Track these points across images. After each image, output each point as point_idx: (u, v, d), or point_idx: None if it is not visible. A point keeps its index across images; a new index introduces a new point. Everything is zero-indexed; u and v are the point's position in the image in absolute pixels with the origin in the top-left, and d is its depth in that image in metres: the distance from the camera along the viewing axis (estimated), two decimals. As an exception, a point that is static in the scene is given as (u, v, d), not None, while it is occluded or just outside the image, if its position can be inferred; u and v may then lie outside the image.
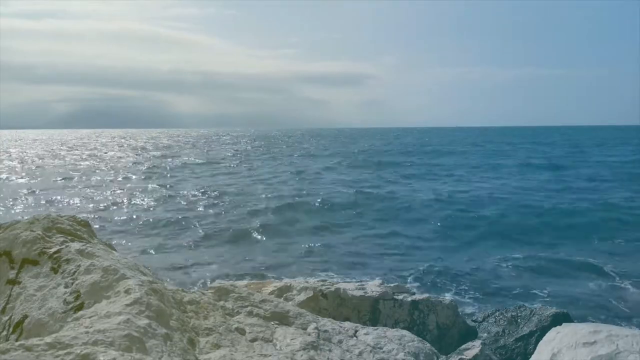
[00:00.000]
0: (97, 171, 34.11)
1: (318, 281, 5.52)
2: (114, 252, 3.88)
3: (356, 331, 3.60)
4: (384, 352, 3.36)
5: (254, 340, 3.03)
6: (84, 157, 50.50)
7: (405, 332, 3.79)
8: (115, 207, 19.17)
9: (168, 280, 9.40)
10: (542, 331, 4.78)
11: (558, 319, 5.10)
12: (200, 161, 42.76)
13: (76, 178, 29.26)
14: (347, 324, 3.70)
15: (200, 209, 18.76)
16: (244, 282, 6.26)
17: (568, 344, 3.60)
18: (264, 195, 21.73)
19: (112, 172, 33.52)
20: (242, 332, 3.08)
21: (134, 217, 17.08)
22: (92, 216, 16.62)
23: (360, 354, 3.24)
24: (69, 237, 3.73)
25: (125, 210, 18.66)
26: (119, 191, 23.69)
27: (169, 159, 44.01)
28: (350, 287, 5.26)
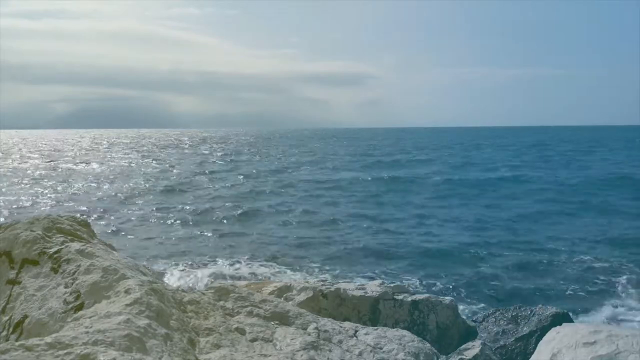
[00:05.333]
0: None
1: (318, 281, 5.52)
2: (114, 252, 3.88)
3: (356, 331, 3.59)
4: (384, 352, 3.36)
5: (254, 340, 3.02)
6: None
7: (405, 332, 3.79)
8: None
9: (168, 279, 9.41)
10: (542, 331, 4.78)
11: (558, 319, 5.10)
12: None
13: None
14: (347, 324, 3.70)
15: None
16: (244, 282, 6.26)
17: (568, 344, 3.59)
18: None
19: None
20: (242, 332, 3.08)
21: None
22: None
23: (360, 354, 3.24)
24: (69, 237, 3.73)
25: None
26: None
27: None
28: (350, 287, 5.26)
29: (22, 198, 21.25)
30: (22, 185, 25.69)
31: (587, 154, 47.24)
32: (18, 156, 48.53)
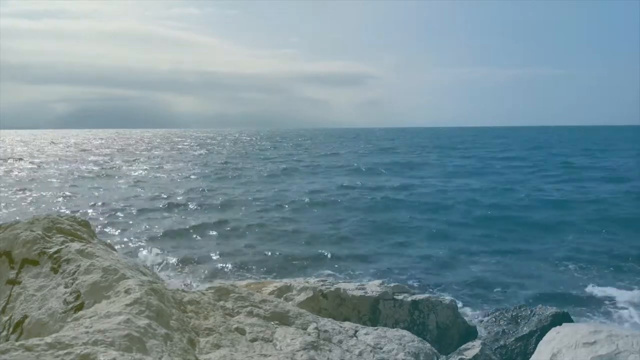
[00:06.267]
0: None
1: (318, 281, 5.52)
2: (114, 252, 3.88)
3: (356, 331, 3.60)
4: (384, 352, 3.36)
5: (254, 340, 3.02)
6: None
7: (405, 332, 3.79)
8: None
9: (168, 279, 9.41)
10: (542, 331, 4.79)
11: (558, 319, 5.10)
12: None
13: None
14: (347, 324, 3.70)
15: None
16: (244, 282, 6.26)
17: (568, 344, 3.60)
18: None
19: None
20: (242, 332, 3.08)
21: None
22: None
23: (360, 354, 3.24)
24: (69, 237, 3.74)
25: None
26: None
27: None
28: (350, 287, 5.26)
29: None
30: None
31: (590, 155, 47.24)
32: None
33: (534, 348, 4.29)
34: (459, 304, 7.44)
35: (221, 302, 3.38)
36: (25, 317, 3.03)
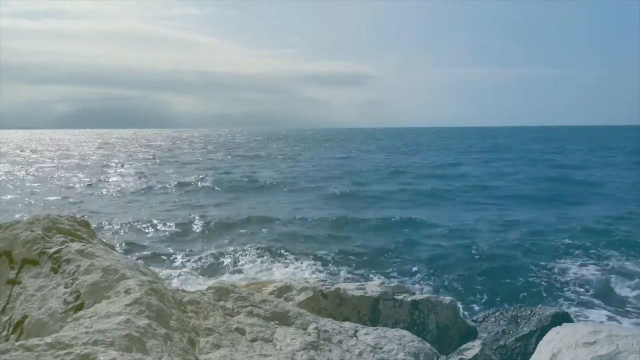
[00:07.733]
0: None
1: (318, 281, 5.51)
2: (114, 252, 3.88)
3: (356, 331, 3.59)
4: (384, 352, 3.36)
5: (254, 340, 3.02)
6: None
7: (405, 332, 3.79)
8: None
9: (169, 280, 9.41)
10: (542, 331, 4.78)
11: (558, 319, 5.10)
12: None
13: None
14: (347, 324, 3.70)
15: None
16: (244, 282, 6.26)
17: (568, 344, 3.59)
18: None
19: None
20: (242, 332, 3.08)
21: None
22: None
23: (360, 354, 3.24)
24: (69, 237, 3.74)
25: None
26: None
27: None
28: (350, 287, 5.26)
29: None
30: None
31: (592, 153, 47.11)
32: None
33: (534, 348, 4.29)
34: (459, 304, 7.44)
35: (221, 302, 3.38)
36: (25, 317, 3.03)
